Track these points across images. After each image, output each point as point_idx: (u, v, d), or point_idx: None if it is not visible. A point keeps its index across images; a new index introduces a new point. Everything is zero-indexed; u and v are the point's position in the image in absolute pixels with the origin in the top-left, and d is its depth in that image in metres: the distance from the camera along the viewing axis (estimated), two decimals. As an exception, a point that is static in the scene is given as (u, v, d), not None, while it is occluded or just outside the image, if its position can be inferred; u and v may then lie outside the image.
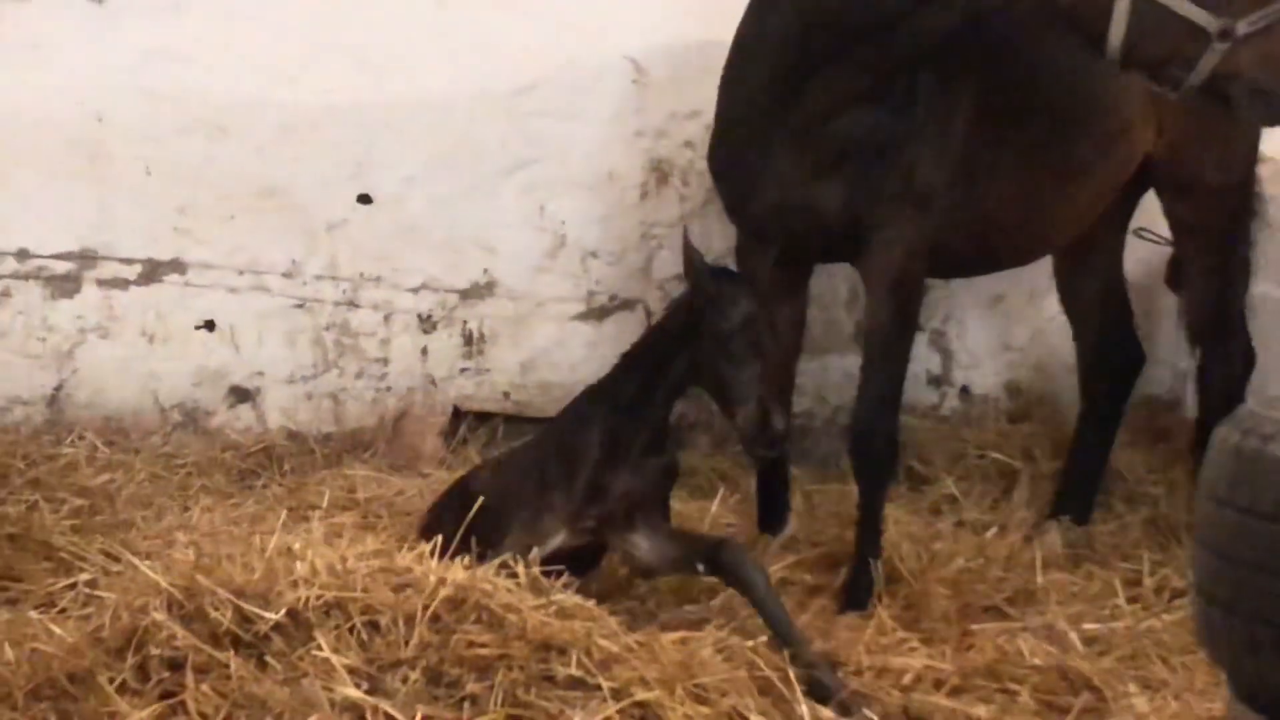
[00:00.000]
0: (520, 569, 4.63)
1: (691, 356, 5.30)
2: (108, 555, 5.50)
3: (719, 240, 7.08)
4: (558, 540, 5.21)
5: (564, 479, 5.28)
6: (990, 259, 6.33)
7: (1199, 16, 5.11)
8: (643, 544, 5.27)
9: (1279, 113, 5.27)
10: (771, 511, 6.24)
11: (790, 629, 4.96)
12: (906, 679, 4.96)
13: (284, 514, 5.60)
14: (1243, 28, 5.09)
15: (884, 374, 5.76)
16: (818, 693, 4.71)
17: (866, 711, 4.72)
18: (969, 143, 5.76)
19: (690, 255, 5.36)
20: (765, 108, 5.69)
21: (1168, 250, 6.80)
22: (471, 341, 7.19)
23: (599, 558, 5.44)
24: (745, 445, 5.48)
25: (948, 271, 6.54)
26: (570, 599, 4.55)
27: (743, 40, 5.88)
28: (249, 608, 4.34)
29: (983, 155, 5.82)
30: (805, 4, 5.55)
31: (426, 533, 5.22)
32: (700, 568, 5.19)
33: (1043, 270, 6.88)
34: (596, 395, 5.48)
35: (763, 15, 5.76)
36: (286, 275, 7.07)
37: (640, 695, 4.22)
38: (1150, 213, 6.67)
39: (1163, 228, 6.68)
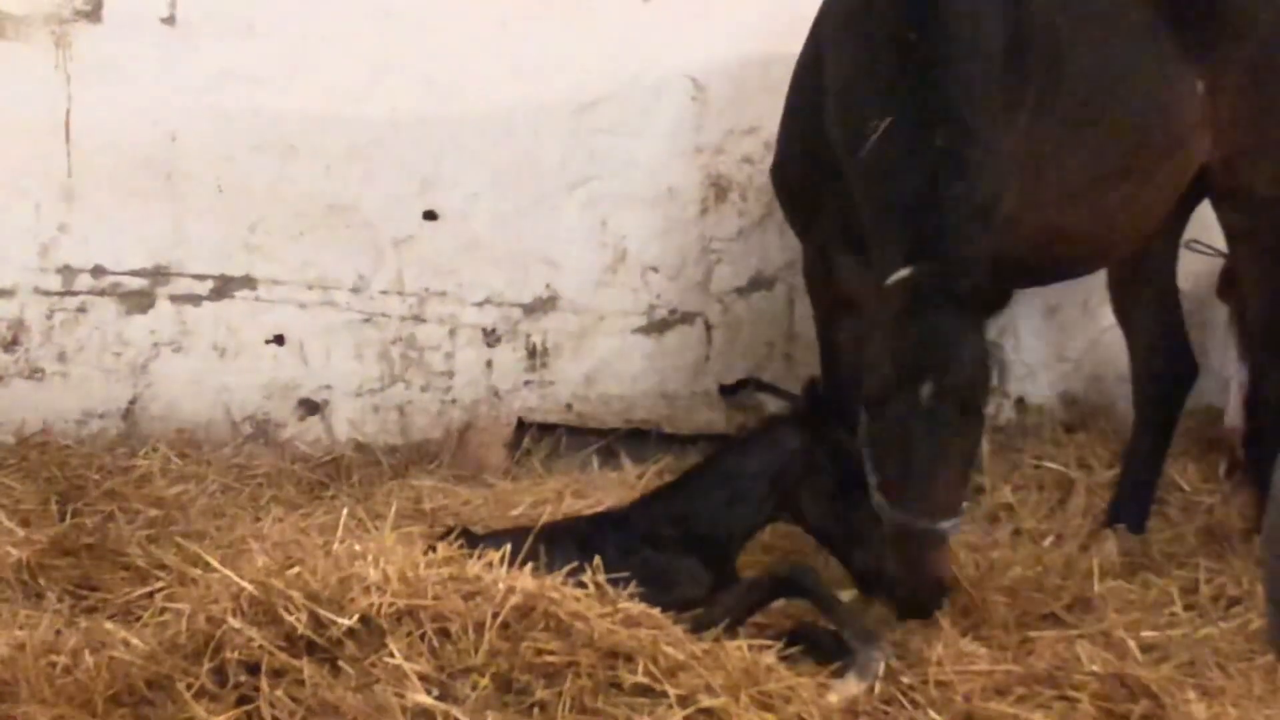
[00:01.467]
0: (588, 578, 4.70)
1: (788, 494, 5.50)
2: (182, 565, 5.55)
3: (777, 253, 7.19)
4: None
5: None
6: (1053, 269, 6.34)
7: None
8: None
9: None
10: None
11: (843, 609, 5.16)
12: (967, 687, 5.02)
13: (353, 523, 5.67)
14: (948, 527, 5.19)
15: None
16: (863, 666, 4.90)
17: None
18: (1031, 151, 5.78)
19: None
20: (824, 150, 5.71)
21: (1219, 262, 6.85)
22: (535, 354, 7.28)
23: None
24: (867, 588, 5.55)
25: (1009, 281, 6.54)
26: (636, 607, 4.61)
27: (798, 86, 5.94)
28: (324, 613, 4.42)
29: (1047, 163, 5.85)
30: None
31: None
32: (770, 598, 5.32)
33: (1097, 282, 6.92)
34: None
35: (811, 72, 5.83)
36: (354, 290, 7.18)
37: (706, 702, 4.29)
38: (1200, 225, 6.71)
39: (1213, 240, 6.73)
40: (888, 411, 5.14)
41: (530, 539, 5.14)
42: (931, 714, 4.80)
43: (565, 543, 5.31)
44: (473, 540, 5.25)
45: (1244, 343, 6.82)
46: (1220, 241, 6.76)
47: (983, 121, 5.54)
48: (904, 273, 5.21)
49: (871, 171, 5.56)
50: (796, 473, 5.49)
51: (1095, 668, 5.10)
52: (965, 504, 5.30)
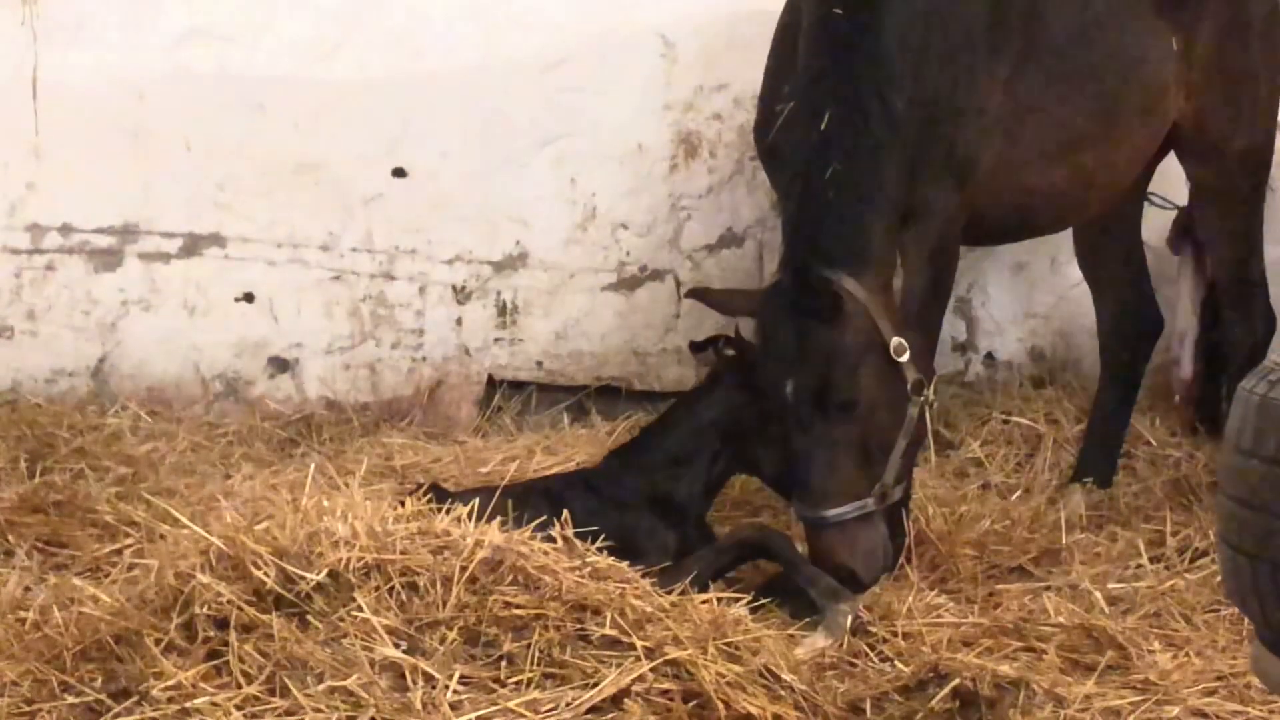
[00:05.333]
0: (556, 531, 4.71)
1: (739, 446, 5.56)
2: (151, 521, 5.55)
3: (747, 211, 7.20)
4: None
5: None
6: (1028, 226, 6.35)
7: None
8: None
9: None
10: None
11: (809, 568, 5.20)
12: (934, 638, 5.06)
13: (323, 480, 5.68)
14: (794, 515, 5.35)
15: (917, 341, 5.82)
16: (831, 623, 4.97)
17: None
18: (1011, 109, 5.79)
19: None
20: (805, 111, 5.71)
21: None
22: (505, 312, 7.29)
23: None
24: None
25: (985, 239, 6.58)
26: (604, 561, 4.62)
27: (779, 47, 5.94)
28: (291, 568, 4.42)
29: (1024, 122, 5.86)
30: None
31: None
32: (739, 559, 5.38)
33: (1065, 238, 6.93)
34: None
35: (791, 31, 5.83)
36: (324, 248, 7.18)
37: (673, 654, 4.29)
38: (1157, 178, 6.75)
39: (1169, 192, 6.77)
40: (771, 408, 5.38)
41: (497, 496, 5.16)
42: (898, 665, 4.82)
43: (536, 501, 5.34)
44: (442, 496, 5.26)
45: (1198, 295, 6.86)
46: (1175, 195, 6.81)
47: (907, 97, 5.53)
48: (774, 278, 5.50)
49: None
50: (748, 424, 5.51)
51: (1061, 619, 5.15)
52: (863, 496, 5.36)
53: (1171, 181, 6.71)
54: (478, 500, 4.86)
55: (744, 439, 5.56)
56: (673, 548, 5.40)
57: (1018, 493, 6.40)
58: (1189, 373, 6.89)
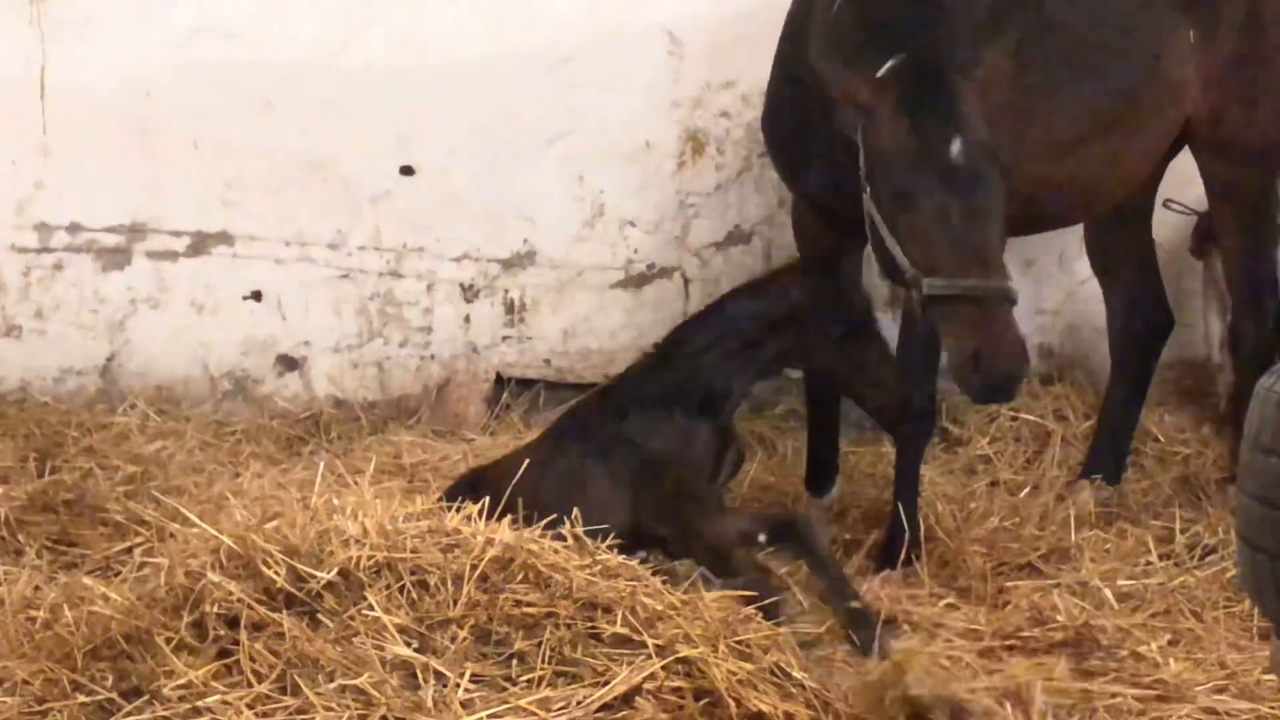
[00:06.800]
0: (567, 530, 4.71)
1: (792, 344, 5.43)
2: (161, 520, 5.56)
3: (755, 208, 7.20)
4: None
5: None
6: (1039, 222, 6.26)
7: (900, 257, 5.08)
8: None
9: (959, 385, 5.12)
10: (820, 473, 6.27)
11: (848, 593, 5.13)
12: (945, 636, 5.07)
13: (332, 478, 5.67)
14: (925, 286, 5.02)
15: (922, 338, 5.81)
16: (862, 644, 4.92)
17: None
18: (1019, 103, 5.73)
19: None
20: (811, 101, 5.69)
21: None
22: (513, 310, 7.29)
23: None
24: (882, 421, 5.64)
25: None
26: (614, 559, 4.62)
27: (787, 38, 5.93)
28: (302, 567, 4.43)
29: (1034, 115, 5.83)
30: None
31: None
32: (761, 539, 5.30)
33: (1074, 234, 6.94)
34: (665, 388, 5.51)
35: (800, 21, 5.82)
36: (332, 246, 7.18)
37: (684, 651, 4.29)
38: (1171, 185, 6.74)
39: (1186, 198, 6.76)
40: (920, 181, 5.06)
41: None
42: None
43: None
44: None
45: (1223, 301, 6.85)
46: (1194, 201, 6.79)
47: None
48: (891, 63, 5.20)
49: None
50: (800, 321, 5.42)
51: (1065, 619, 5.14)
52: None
53: (1192, 188, 6.66)
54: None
55: (798, 335, 5.44)
56: (705, 440, 5.39)
57: (1026, 490, 6.40)
58: (1231, 374, 6.85)
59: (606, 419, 5.51)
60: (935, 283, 5.01)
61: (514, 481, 5.10)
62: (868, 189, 5.17)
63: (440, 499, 5.35)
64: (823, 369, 5.57)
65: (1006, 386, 5.12)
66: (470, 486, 5.43)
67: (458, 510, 4.73)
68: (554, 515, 4.81)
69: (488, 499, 4.81)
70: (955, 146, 5.06)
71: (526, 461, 5.32)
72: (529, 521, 4.79)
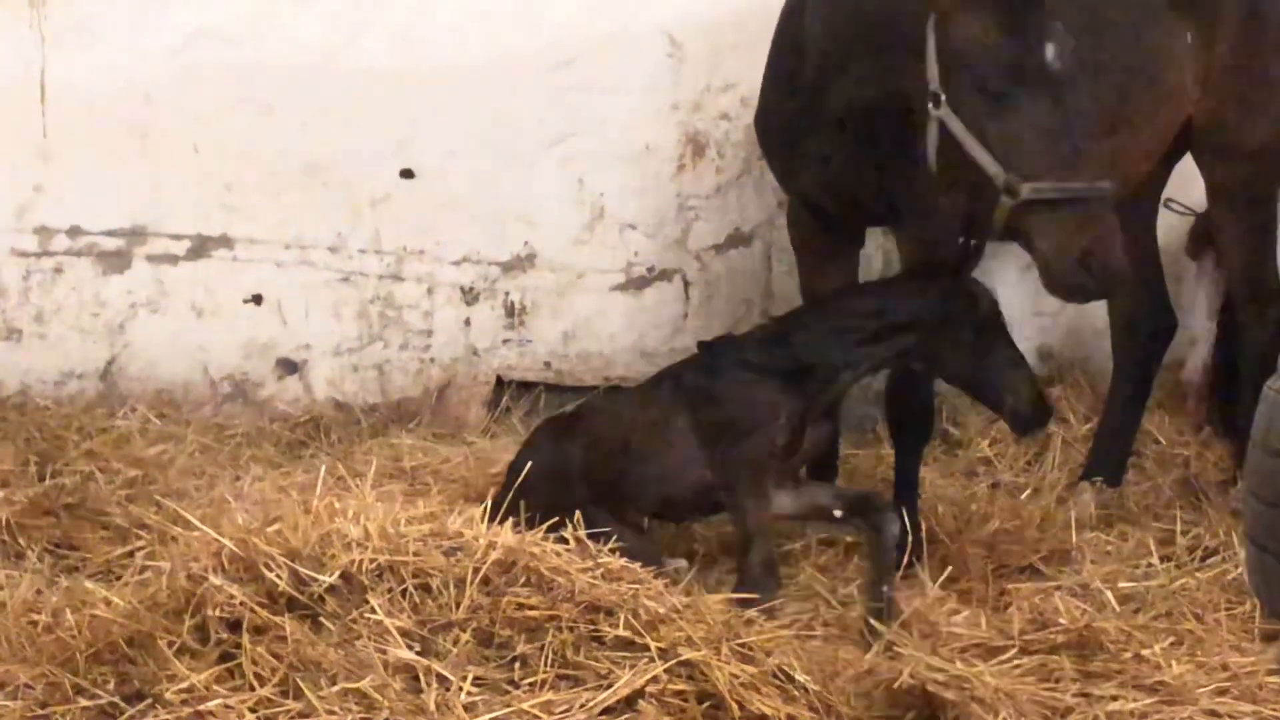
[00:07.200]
0: (569, 533, 4.72)
1: (917, 344, 5.47)
2: (162, 524, 5.54)
3: (755, 210, 7.21)
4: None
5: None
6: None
7: (989, 166, 4.98)
8: (784, 496, 5.47)
9: (1056, 288, 5.05)
10: (821, 474, 6.25)
11: (891, 596, 5.21)
12: (951, 644, 5.05)
13: (333, 481, 5.66)
14: (1026, 192, 4.93)
15: None
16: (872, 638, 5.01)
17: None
18: None
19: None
20: (805, 95, 5.69)
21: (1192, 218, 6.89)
22: (513, 313, 7.29)
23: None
24: (1019, 426, 5.60)
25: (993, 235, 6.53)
26: (616, 562, 4.61)
27: (782, 32, 5.92)
28: (304, 570, 4.42)
29: None
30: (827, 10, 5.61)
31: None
32: (837, 514, 5.45)
33: (1075, 236, 6.93)
34: (768, 351, 5.56)
35: (796, 15, 5.81)
36: (332, 249, 7.18)
37: (687, 654, 4.28)
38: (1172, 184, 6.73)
39: (1187, 198, 6.75)
40: (1026, 82, 4.99)
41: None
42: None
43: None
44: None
45: (1215, 302, 6.85)
46: (1193, 201, 6.79)
47: None
48: None
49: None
50: (930, 323, 5.43)
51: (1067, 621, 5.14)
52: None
53: (1190, 187, 6.66)
54: None
55: (926, 337, 5.45)
56: (788, 413, 5.42)
57: (1027, 492, 6.41)
58: (1198, 376, 6.89)
59: (699, 374, 5.58)
60: (1041, 186, 4.93)
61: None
62: (942, 96, 5.08)
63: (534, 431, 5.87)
64: (953, 373, 5.58)
65: (1120, 285, 5.12)
66: (559, 432, 5.73)
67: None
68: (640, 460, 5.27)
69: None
70: (1059, 47, 5.01)
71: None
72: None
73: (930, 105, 5.08)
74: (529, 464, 5.44)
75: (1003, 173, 4.95)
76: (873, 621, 5.11)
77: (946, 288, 5.43)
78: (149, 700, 4.29)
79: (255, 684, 4.25)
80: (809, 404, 5.46)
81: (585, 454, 5.57)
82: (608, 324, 7.30)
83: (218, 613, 4.41)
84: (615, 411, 5.77)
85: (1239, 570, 5.49)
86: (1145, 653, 4.94)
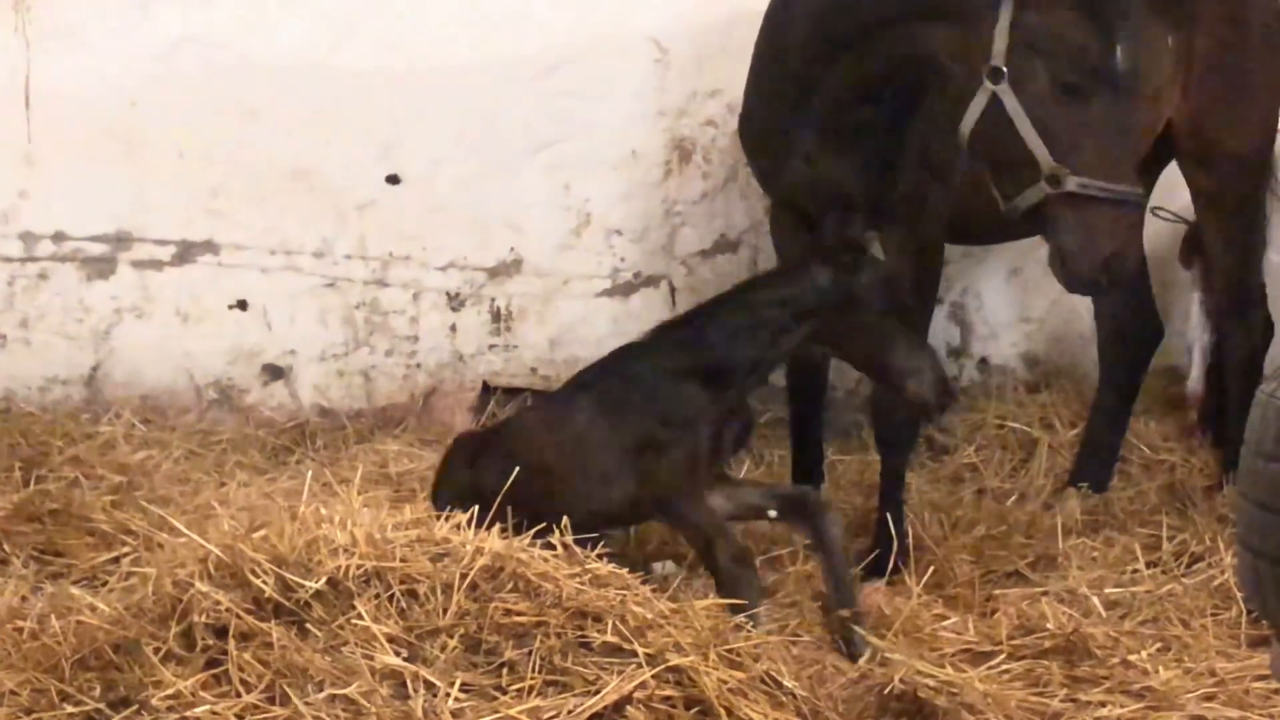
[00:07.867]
0: (556, 538, 4.70)
1: (820, 329, 5.37)
2: (148, 530, 5.52)
3: (741, 216, 7.21)
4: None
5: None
6: (1022, 226, 6.28)
7: (1038, 150, 4.98)
8: (717, 497, 5.35)
9: (1072, 279, 5.12)
10: (805, 479, 6.23)
11: (852, 588, 5.16)
12: (939, 650, 5.05)
13: (319, 487, 5.66)
14: (1072, 184, 4.95)
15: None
16: (851, 651, 4.93)
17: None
18: None
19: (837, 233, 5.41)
20: (789, 93, 5.71)
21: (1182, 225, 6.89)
22: (499, 318, 7.28)
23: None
24: (921, 410, 5.53)
25: (972, 239, 6.56)
26: (604, 567, 4.61)
27: (767, 29, 5.92)
28: (290, 576, 4.42)
29: None
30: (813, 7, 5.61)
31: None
32: (771, 514, 5.35)
33: (1060, 242, 6.93)
34: (684, 354, 5.45)
35: (781, 11, 5.81)
36: (317, 255, 7.17)
37: (675, 660, 4.29)
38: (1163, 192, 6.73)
39: (1176, 205, 6.76)
40: (1098, 78, 5.00)
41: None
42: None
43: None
44: None
45: (1208, 309, 6.86)
46: (1185, 210, 6.79)
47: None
48: None
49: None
50: (831, 307, 5.35)
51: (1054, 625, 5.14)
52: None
53: (1182, 196, 6.66)
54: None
55: (829, 321, 5.37)
56: (710, 415, 5.32)
57: (1013, 498, 6.42)
58: (1200, 385, 6.89)
59: (616, 383, 5.46)
60: (1088, 182, 4.95)
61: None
62: (1004, 71, 5.04)
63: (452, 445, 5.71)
64: (854, 355, 5.50)
65: (1124, 287, 5.29)
66: (479, 445, 5.61)
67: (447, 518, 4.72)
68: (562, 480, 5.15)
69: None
70: (1132, 48, 5.03)
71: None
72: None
73: (987, 78, 5.05)
74: (445, 493, 5.41)
75: (1050, 160, 4.97)
76: (846, 622, 5.06)
77: (848, 266, 5.35)
78: (135, 707, 4.29)
79: (242, 690, 4.26)
80: (728, 402, 5.37)
81: (502, 477, 5.16)
82: (594, 330, 7.29)
83: (204, 619, 4.41)
84: (531, 430, 5.57)
85: (1225, 576, 5.50)
86: (1132, 658, 4.95)
